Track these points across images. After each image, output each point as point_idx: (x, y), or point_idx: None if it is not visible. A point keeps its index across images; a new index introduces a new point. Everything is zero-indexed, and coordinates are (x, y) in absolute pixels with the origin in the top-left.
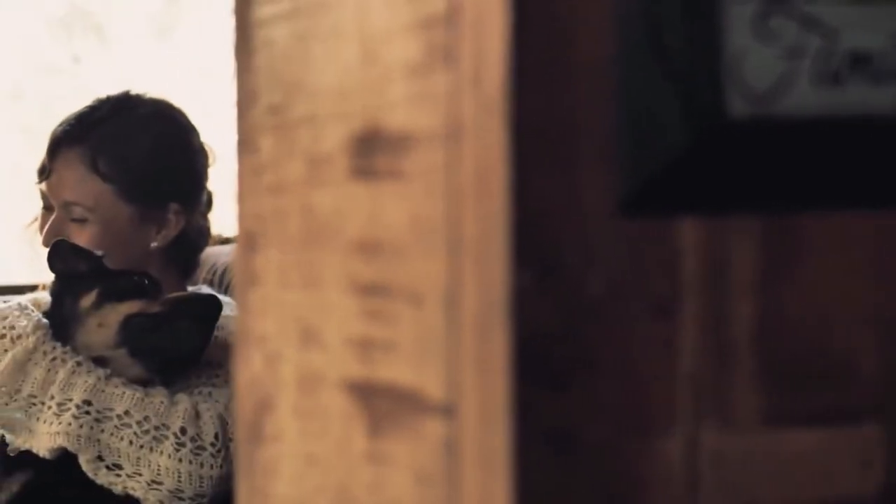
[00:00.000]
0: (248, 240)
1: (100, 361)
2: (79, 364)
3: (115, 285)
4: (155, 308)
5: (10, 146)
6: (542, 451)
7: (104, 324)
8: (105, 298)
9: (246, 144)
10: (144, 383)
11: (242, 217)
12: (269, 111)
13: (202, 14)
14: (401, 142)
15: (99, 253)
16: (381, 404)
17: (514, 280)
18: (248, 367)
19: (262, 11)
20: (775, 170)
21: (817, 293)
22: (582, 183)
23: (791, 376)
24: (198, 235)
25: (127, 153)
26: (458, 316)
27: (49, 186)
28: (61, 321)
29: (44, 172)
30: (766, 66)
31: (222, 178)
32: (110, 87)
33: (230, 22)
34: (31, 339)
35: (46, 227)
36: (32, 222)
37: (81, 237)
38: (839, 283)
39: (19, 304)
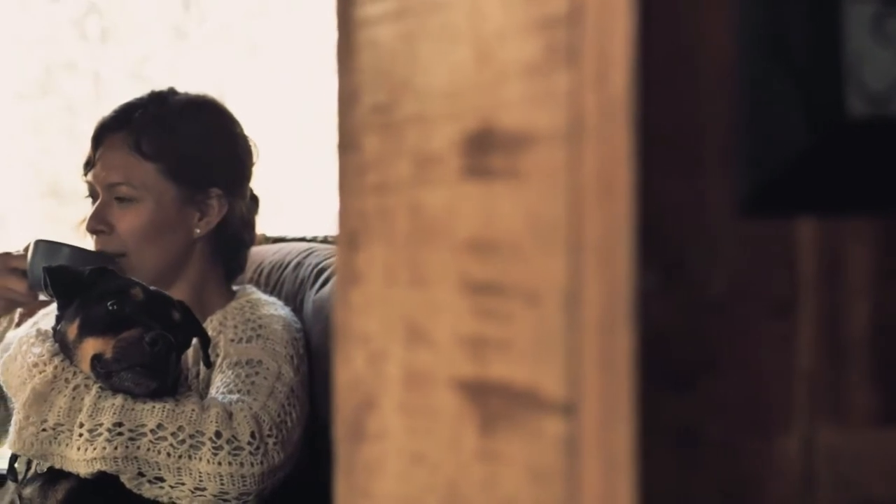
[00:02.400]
0: (350, 238)
1: None
2: (102, 388)
3: (90, 315)
4: (109, 351)
5: (26, 145)
6: (664, 450)
7: (83, 358)
8: (82, 331)
9: (348, 143)
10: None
11: (344, 215)
12: (373, 110)
13: (218, 17)
14: (517, 141)
15: (89, 270)
16: (494, 402)
17: (638, 280)
18: (350, 366)
19: (366, 11)
20: (891, 170)
21: None
22: (704, 182)
23: None
24: (241, 227)
25: (170, 134)
26: (579, 315)
27: (94, 175)
28: (61, 344)
29: (89, 164)
30: (883, 68)
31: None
32: (127, 88)
33: (245, 24)
34: (49, 367)
35: (91, 211)
36: (82, 222)
37: (126, 220)
38: None
39: (38, 330)
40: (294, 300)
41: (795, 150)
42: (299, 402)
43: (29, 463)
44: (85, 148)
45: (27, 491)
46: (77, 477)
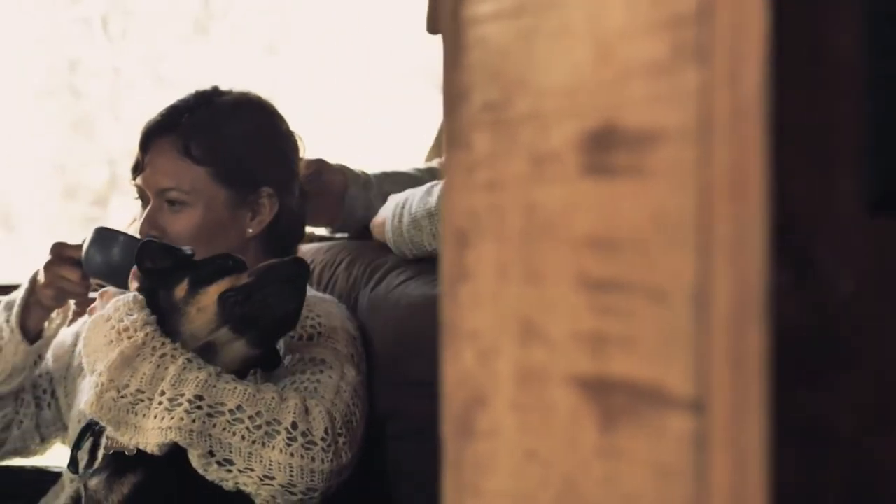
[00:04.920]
0: (459, 235)
1: (207, 349)
2: (189, 360)
3: (201, 271)
4: (243, 280)
5: (43, 144)
6: (795, 447)
7: (202, 308)
8: (196, 286)
9: (457, 141)
10: (252, 365)
11: (452, 213)
12: (484, 108)
13: (237, 14)
14: (642, 139)
15: (188, 250)
16: (616, 399)
17: (770, 278)
18: (458, 363)
19: (477, 9)
20: None
21: None
22: (835, 181)
23: None
24: (292, 222)
25: (218, 136)
26: (708, 312)
27: (144, 179)
28: (160, 316)
29: (138, 168)
30: None
31: None
32: (148, 85)
33: (263, 22)
34: (140, 334)
35: (143, 216)
36: (133, 222)
37: (178, 224)
38: None
39: (135, 296)
40: (348, 298)
41: None
42: (361, 402)
43: (93, 453)
44: (101, 146)
45: (93, 482)
46: (143, 470)
